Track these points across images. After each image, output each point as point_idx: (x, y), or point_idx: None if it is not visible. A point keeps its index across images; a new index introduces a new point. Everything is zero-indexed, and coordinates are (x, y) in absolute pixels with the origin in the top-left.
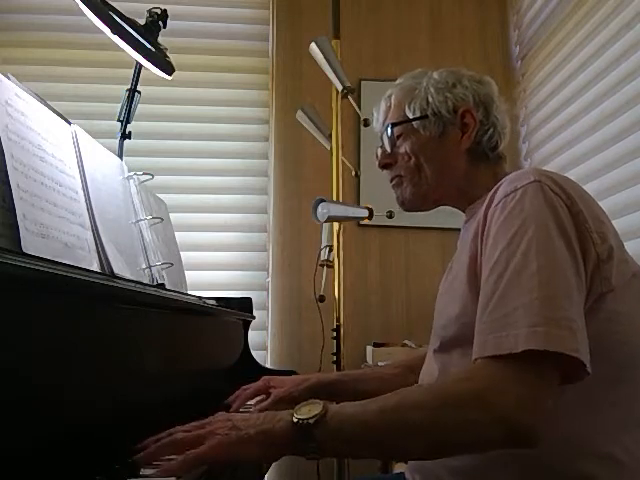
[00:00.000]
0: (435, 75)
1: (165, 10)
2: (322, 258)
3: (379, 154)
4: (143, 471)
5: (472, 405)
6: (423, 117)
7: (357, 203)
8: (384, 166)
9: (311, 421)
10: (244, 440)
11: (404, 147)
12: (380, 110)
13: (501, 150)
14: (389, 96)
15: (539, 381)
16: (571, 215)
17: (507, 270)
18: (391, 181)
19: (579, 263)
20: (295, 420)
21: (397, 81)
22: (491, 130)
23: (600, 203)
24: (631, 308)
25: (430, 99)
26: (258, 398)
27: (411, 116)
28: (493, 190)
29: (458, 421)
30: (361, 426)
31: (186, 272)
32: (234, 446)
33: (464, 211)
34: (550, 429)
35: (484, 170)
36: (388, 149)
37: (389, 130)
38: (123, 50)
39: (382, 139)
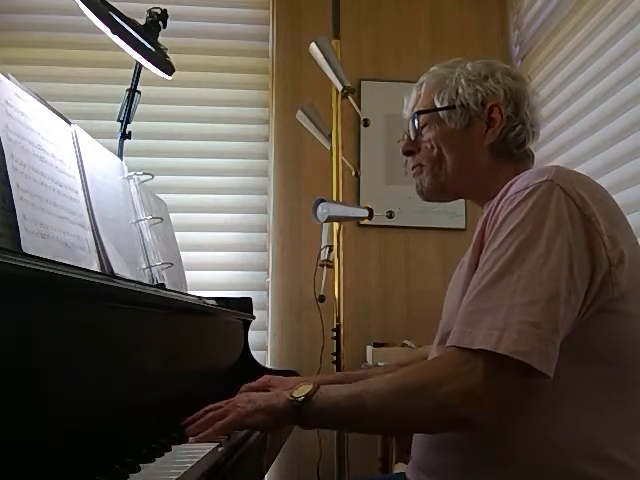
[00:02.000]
0: (469, 66)
1: (165, 10)
2: (322, 258)
3: (403, 140)
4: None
5: (420, 394)
6: (450, 107)
7: (357, 203)
8: (406, 153)
9: (300, 399)
10: (257, 411)
11: (428, 136)
12: (411, 98)
13: (528, 148)
14: (420, 84)
15: (485, 378)
16: (582, 218)
17: (492, 270)
18: (412, 169)
19: (577, 268)
20: (290, 398)
21: (432, 68)
22: (519, 127)
23: None
24: None
25: (460, 90)
26: None
27: (439, 105)
28: (509, 184)
29: (404, 408)
30: (335, 407)
31: (186, 272)
32: (250, 416)
33: (482, 206)
34: (554, 429)
35: (506, 167)
36: (412, 137)
37: (415, 118)
38: (123, 50)
39: (407, 125)
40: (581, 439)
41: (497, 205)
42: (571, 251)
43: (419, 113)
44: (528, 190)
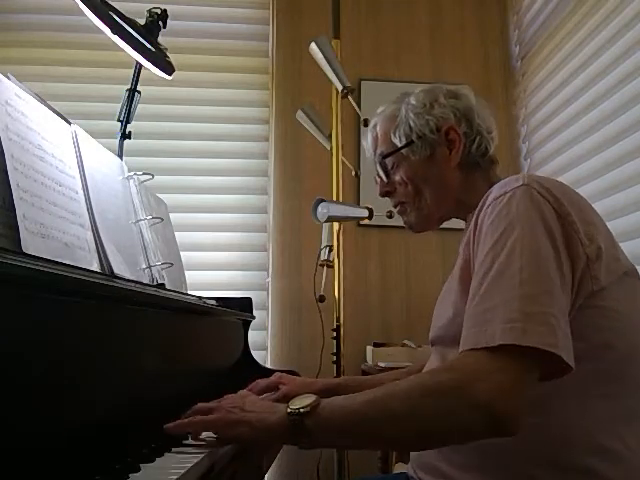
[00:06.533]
0: (412, 100)
1: (165, 10)
2: (322, 258)
3: (378, 182)
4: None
5: (449, 394)
6: (410, 143)
7: (357, 203)
8: (384, 195)
9: (302, 410)
10: (243, 422)
11: (399, 175)
12: (368, 140)
13: (492, 154)
14: (374, 126)
15: (514, 373)
16: (558, 217)
17: (492, 269)
18: (395, 207)
19: (563, 262)
20: (289, 411)
21: (379, 109)
22: (478, 138)
23: (600, 203)
24: (625, 306)
25: (412, 124)
26: (267, 394)
27: (398, 144)
28: (485, 195)
29: (436, 410)
30: (350, 415)
31: (186, 272)
32: (233, 424)
33: (465, 219)
34: (547, 422)
35: (478, 177)
36: (385, 179)
37: (381, 162)
38: (123, 50)
39: (377, 169)
40: (576, 431)
41: (479, 215)
42: (555, 245)
43: (384, 157)
44: (508, 195)
